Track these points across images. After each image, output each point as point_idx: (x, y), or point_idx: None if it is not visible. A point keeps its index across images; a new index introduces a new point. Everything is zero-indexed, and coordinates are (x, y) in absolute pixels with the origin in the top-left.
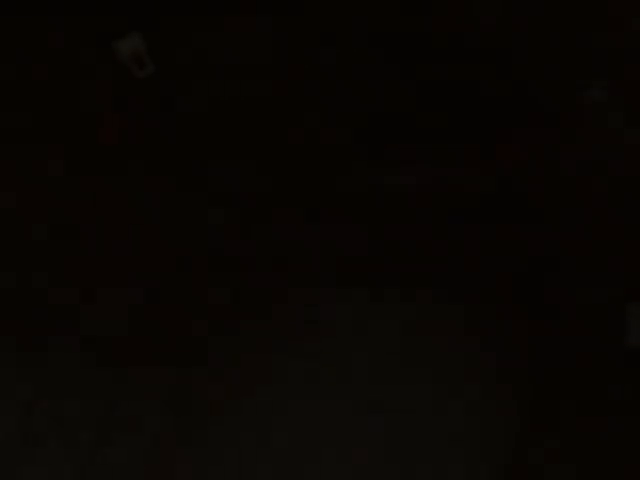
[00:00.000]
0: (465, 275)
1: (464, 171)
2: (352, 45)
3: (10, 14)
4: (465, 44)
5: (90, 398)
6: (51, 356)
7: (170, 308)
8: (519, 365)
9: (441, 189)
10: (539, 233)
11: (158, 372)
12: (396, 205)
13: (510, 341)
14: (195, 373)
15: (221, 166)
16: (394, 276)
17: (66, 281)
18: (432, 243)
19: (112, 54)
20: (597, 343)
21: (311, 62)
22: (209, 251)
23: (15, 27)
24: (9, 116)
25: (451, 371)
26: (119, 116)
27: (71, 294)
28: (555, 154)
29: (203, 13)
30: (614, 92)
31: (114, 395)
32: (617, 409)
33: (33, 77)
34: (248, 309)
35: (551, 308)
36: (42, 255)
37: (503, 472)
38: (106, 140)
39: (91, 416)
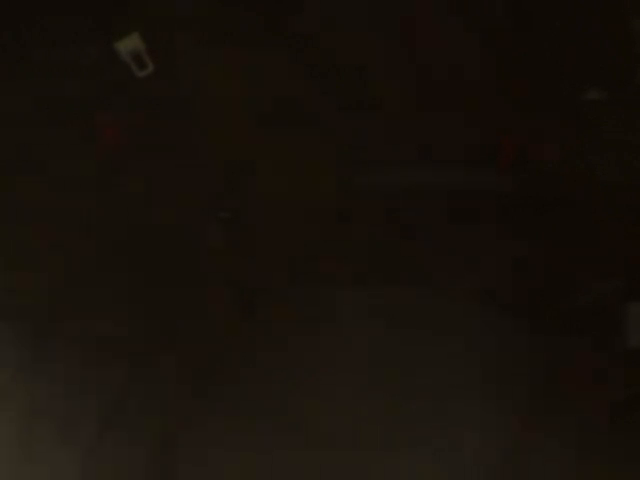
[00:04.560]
0: (465, 275)
1: (464, 171)
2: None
3: (9, 14)
4: (466, 45)
5: (91, 396)
6: (53, 355)
7: (170, 308)
8: (519, 365)
9: (441, 189)
10: (539, 233)
11: (157, 372)
12: (396, 205)
13: (510, 341)
14: (195, 372)
15: (221, 166)
16: (394, 276)
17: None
18: (432, 243)
19: (112, 54)
20: (597, 343)
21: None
22: (209, 250)
23: (14, 27)
24: (9, 115)
25: (450, 371)
26: (119, 116)
27: (74, 292)
28: (555, 154)
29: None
30: (614, 92)
31: (116, 394)
32: (617, 409)
33: (32, 77)
34: (247, 307)
35: (551, 308)
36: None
37: (501, 472)
38: (106, 140)
39: (92, 414)
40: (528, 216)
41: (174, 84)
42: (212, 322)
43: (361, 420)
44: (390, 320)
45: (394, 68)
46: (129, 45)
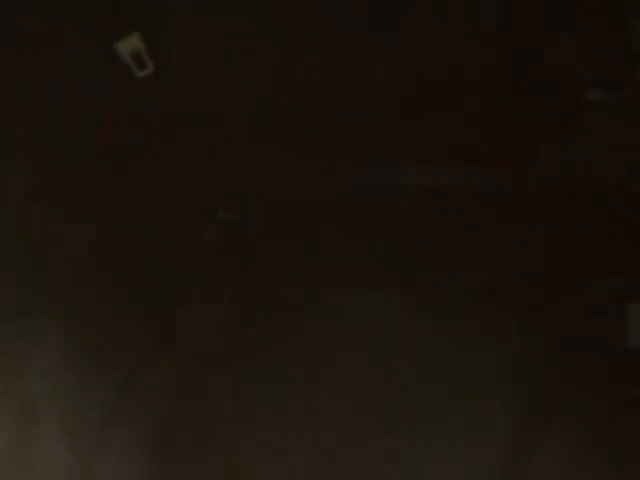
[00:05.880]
0: (464, 275)
1: (464, 171)
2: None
3: (9, 14)
4: (463, 45)
5: (90, 396)
6: (52, 353)
7: (169, 309)
8: (519, 365)
9: (441, 189)
10: (539, 233)
11: (157, 374)
12: (395, 205)
13: (510, 341)
14: (195, 374)
15: (221, 165)
16: (393, 276)
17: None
18: (432, 243)
19: (112, 54)
20: (597, 343)
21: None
22: (209, 250)
23: (14, 27)
24: (8, 116)
25: (450, 372)
26: (118, 116)
27: (69, 290)
28: (555, 154)
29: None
30: (614, 92)
31: (115, 395)
32: (617, 410)
33: (32, 77)
34: (248, 308)
35: (551, 308)
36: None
37: (501, 474)
38: (106, 140)
39: (92, 414)
40: (528, 216)
41: (174, 84)
42: (212, 322)
43: (362, 410)
44: (390, 320)
45: (394, 68)
46: (129, 45)
